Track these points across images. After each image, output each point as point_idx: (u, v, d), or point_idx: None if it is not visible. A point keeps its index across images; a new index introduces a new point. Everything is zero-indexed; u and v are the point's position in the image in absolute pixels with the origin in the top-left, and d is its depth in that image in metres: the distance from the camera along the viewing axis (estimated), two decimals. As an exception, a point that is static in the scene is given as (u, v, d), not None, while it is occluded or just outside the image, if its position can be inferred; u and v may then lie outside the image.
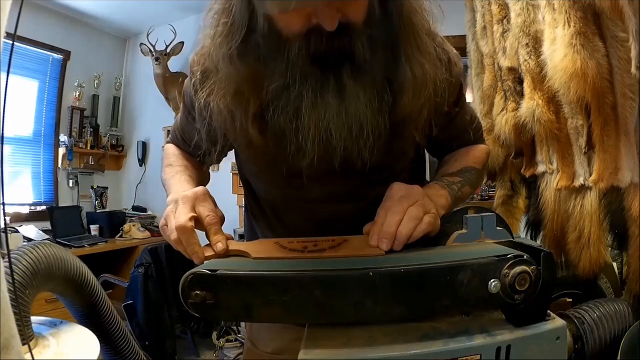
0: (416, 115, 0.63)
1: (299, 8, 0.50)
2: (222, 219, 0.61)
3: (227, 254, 0.58)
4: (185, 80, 0.77)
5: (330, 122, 0.56)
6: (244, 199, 0.89)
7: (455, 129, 0.77)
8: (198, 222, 0.59)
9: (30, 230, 2.81)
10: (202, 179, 0.82)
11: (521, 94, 1.12)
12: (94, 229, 3.30)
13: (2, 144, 0.38)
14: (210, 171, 0.89)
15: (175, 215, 0.58)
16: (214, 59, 0.61)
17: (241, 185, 0.86)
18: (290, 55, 0.55)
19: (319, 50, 0.54)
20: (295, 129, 0.58)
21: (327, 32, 0.51)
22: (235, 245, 0.59)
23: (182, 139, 0.84)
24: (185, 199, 0.60)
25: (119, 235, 3.31)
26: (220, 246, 0.58)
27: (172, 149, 0.86)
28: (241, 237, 2.07)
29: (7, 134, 2.97)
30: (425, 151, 0.84)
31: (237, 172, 0.86)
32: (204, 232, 0.60)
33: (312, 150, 0.58)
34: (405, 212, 0.56)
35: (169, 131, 0.89)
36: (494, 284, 0.44)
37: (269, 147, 0.64)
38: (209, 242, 0.59)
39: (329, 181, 0.68)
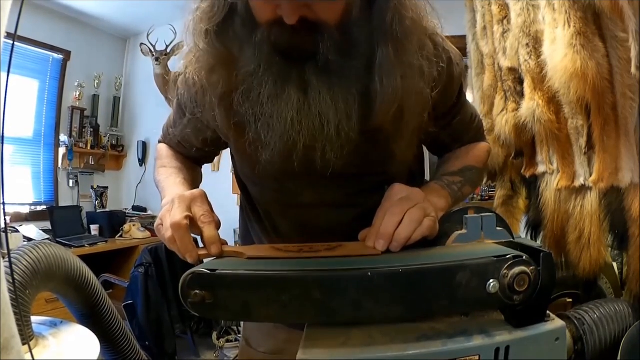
0: (398, 125, 0.61)
1: None
2: (217, 223, 0.60)
3: (221, 254, 0.57)
4: (179, 78, 0.76)
5: (289, 115, 0.55)
6: (240, 200, 0.88)
7: (456, 129, 0.77)
8: (193, 224, 0.58)
9: (30, 230, 2.81)
10: (195, 180, 0.81)
11: (521, 94, 1.11)
12: (94, 228, 3.30)
13: (2, 144, 0.38)
14: (210, 171, 0.89)
15: (171, 214, 0.57)
16: (192, 34, 0.60)
17: (241, 185, 0.86)
18: (256, 41, 0.55)
19: (280, 42, 0.54)
20: (254, 115, 0.57)
21: (290, 25, 0.51)
22: (229, 249, 0.59)
23: (174, 136, 0.83)
24: (181, 198, 0.59)
25: (119, 235, 3.30)
26: (214, 248, 0.57)
27: (164, 149, 0.86)
28: (241, 237, 2.06)
29: (7, 133, 2.96)
30: (425, 151, 0.84)
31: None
32: (199, 236, 0.59)
33: (272, 142, 0.57)
34: (404, 214, 0.55)
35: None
36: (492, 284, 0.44)
37: (233, 134, 0.64)
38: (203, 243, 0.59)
39: (321, 186, 0.66)
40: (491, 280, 0.44)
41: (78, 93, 3.49)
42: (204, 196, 0.62)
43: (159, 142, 0.89)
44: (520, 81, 1.13)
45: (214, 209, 0.63)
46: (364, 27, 0.57)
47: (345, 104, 0.56)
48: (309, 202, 0.69)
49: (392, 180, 0.64)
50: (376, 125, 0.60)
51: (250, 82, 0.57)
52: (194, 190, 0.62)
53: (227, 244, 0.60)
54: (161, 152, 0.86)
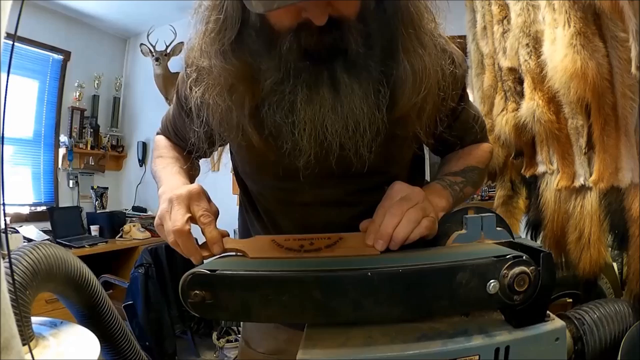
0: (417, 112, 0.61)
1: (283, 7, 0.49)
2: (216, 215, 0.61)
3: (223, 252, 0.58)
4: (179, 74, 0.76)
5: (325, 116, 0.55)
6: (239, 197, 0.88)
7: (458, 128, 0.77)
8: (194, 222, 0.58)
9: (30, 231, 2.81)
10: (192, 169, 0.81)
11: (521, 94, 1.11)
12: (94, 229, 3.30)
13: (2, 144, 0.38)
14: (210, 171, 0.89)
15: (171, 217, 0.57)
16: (206, 56, 0.59)
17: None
18: (282, 50, 0.55)
19: (310, 44, 0.53)
20: (290, 123, 0.56)
21: (317, 26, 0.51)
22: (231, 243, 0.59)
23: (172, 131, 0.83)
24: (179, 198, 0.59)
25: (119, 236, 3.31)
26: (216, 247, 0.58)
27: (162, 140, 0.86)
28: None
29: (7, 134, 2.96)
30: (425, 152, 0.84)
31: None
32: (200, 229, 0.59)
33: (309, 147, 0.57)
34: (403, 214, 0.56)
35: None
36: (492, 284, 0.44)
37: (265, 146, 0.63)
38: (205, 241, 0.59)
39: (322, 185, 0.66)
40: (491, 281, 0.44)
41: (78, 93, 3.49)
42: (201, 192, 0.62)
43: (157, 134, 0.89)
44: (520, 81, 1.13)
45: None
46: (382, 17, 0.57)
47: (377, 97, 0.57)
48: (308, 201, 0.69)
49: (392, 180, 0.64)
50: (403, 112, 0.60)
51: (281, 91, 0.56)
52: (191, 187, 0.62)
53: (228, 235, 0.61)
54: (159, 142, 0.86)
